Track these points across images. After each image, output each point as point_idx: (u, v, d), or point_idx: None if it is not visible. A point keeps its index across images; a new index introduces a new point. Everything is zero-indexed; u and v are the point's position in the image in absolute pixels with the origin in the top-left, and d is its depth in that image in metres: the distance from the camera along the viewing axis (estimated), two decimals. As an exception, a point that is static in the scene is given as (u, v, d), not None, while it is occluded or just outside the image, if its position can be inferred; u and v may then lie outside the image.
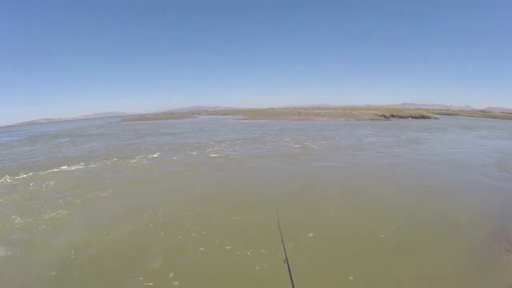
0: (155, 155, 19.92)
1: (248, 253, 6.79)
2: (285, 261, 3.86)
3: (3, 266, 7.05)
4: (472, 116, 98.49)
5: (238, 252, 6.84)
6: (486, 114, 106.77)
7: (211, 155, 19.66)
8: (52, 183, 13.95)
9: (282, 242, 4.50)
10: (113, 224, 9.15)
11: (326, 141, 25.49)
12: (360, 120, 60.53)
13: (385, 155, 18.87)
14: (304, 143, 23.84)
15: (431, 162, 16.72)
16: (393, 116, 68.24)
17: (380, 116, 65.52)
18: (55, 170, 16.53)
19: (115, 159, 19.11)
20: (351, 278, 5.71)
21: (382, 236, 7.44)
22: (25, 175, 15.47)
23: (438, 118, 70.86)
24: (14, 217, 9.74)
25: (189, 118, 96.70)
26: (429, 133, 33.39)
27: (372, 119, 61.90)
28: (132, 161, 18.45)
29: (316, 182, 12.95)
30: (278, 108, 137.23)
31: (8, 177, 15.20)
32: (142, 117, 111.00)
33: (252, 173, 15.00)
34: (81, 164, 17.86)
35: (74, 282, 6.14)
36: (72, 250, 7.32)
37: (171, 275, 6.13)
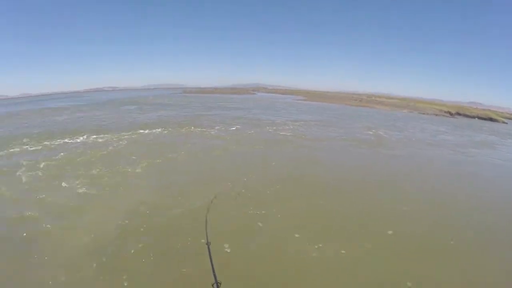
0: (232, 128, 21.57)
1: (318, 246, 6.69)
2: (207, 244, 3.97)
3: (86, 205, 8.76)
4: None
5: (308, 244, 6.78)
6: None
7: (286, 133, 20.71)
8: (128, 144, 15.88)
9: (206, 224, 4.74)
10: (189, 187, 10.23)
11: (399, 132, 25.37)
12: (423, 114, 56.81)
13: (460, 155, 18.41)
14: (376, 132, 24.08)
15: (509, 173, 16.00)
16: (459, 114, 62.12)
17: (445, 112, 60.87)
18: (130, 133, 18.50)
19: (192, 128, 21.15)
20: (409, 284, 5.76)
21: (452, 242, 7.28)
22: (102, 135, 17.66)
23: (507, 123, 65.91)
24: (96, 170, 11.68)
25: (249, 95, 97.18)
26: (503, 139, 30.34)
27: (436, 115, 57.43)
28: (208, 131, 20.07)
29: (392, 173, 13.16)
30: (338, 92, 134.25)
31: (87, 136, 17.30)
32: (202, 90, 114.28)
33: (329, 156, 15.41)
34: (155, 129, 19.87)
35: (140, 233, 7.15)
36: (141, 206, 8.52)
37: (225, 246, 6.59)
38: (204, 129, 20.81)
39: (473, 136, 29.26)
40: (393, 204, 9.42)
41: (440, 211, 9.29)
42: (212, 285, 2.99)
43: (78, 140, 17.30)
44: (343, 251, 6.46)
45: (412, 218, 8.58)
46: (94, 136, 17.96)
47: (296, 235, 7.06)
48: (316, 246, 6.62)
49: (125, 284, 5.53)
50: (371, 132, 23.34)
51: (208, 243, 3.97)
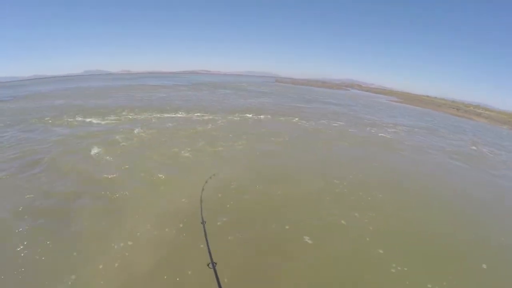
0: (335, 124, 21.83)
1: (402, 268, 6.21)
2: (202, 223, 3.92)
3: (184, 173, 9.88)
4: None
5: (391, 262, 6.37)
6: None
7: (388, 136, 20.42)
8: (228, 124, 17.25)
9: (201, 203, 4.87)
10: (286, 174, 10.78)
11: (507, 152, 22.31)
12: None
13: None
14: (480, 148, 21.78)
15: None
16: None
17: None
18: (231, 115, 19.90)
19: (295, 119, 22.04)
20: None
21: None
22: (200, 113, 19.58)
23: None
24: (202, 143, 13.18)
25: (343, 90, 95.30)
26: None
27: None
28: (310, 123, 20.74)
29: (495, 199, 11.64)
30: (434, 97, 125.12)
31: (187, 113, 19.67)
32: (294, 81, 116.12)
33: (430, 169, 14.29)
34: (255, 115, 20.96)
35: (228, 209, 7.88)
36: (233, 183, 9.34)
37: (306, 238, 6.90)
38: (305, 121, 21.49)
39: None
40: (491, 233, 8.53)
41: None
42: (208, 265, 3.00)
43: (179, 115, 19.50)
44: (429, 286, 5.87)
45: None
46: (197, 114, 20.07)
47: (380, 251, 6.70)
48: (400, 268, 6.20)
49: (201, 246, 5.90)
50: (474, 148, 21.32)
51: (203, 222, 3.99)
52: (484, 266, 6.70)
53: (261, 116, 21.45)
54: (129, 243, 6.43)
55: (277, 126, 18.83)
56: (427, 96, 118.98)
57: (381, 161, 14.27)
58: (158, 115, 19.83)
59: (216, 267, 2.97)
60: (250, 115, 21.47)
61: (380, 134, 20.78)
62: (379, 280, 5.88)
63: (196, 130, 15.95)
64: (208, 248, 3.39)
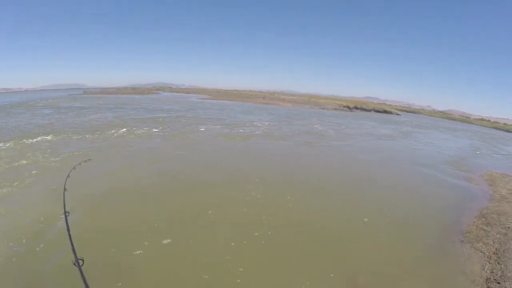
0: (202, 129, 20.74)
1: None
2: (64, 214, 3.57)
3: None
4: (432, 116, 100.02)
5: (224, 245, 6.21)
6: (446, 115, 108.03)
7: (257, 132, 20.74)
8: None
9: (64, 191, 4.49)
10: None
11: (351, 129, 27.68)
12: (324, 109, 60.05)
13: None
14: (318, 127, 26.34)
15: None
16: (356, 108, 67.84)
17: (344, 106, 65.61)
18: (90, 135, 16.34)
19: (155, 130, 19.67)
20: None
21: (366, 219, 7.75)
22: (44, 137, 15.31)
23: (400, 114, 72.96)
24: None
25: (154, 94, 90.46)
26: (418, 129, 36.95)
27: (336, 109, 61.90)
28: (178, 133, 18.73)
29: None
30: (239, 90, 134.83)
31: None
32: (104, 91, 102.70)
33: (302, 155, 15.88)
34: (124, 130, 18.32)
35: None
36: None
37: (166, 241, 6.18)
38: (176, 132, 18.99)
39: (400, 128, 34.56)
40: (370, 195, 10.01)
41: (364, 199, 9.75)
42: (74, 263, 2.52)
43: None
44: (232, 243, 6.26)
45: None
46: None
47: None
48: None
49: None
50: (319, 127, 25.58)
51: (65, 213, 3.55)
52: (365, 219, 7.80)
53: (121, 131, 18.09)
54: None
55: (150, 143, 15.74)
56: (233, 90, 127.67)
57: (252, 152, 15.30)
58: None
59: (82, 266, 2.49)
60: (113, 131, 17.83)
61: (251, 131, 21.17)
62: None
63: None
64: (71, 243, 2.82)
